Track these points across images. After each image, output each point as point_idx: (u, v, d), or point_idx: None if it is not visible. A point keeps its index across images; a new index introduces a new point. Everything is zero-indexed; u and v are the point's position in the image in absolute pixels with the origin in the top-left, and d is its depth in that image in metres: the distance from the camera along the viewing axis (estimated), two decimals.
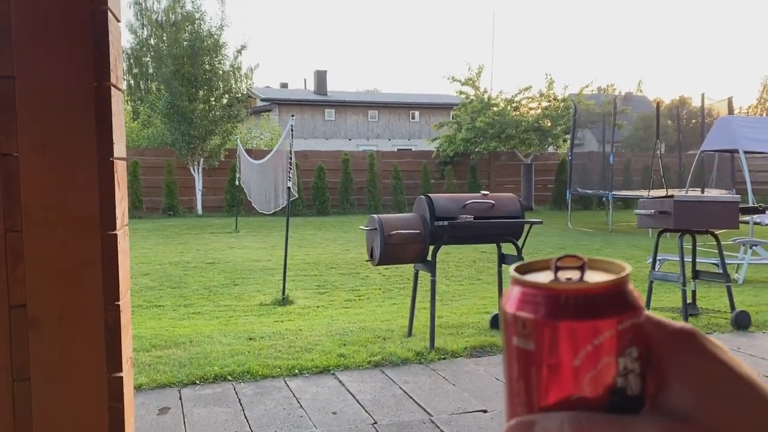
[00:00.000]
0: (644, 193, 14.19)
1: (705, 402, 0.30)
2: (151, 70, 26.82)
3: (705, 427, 0.30)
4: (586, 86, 21.57)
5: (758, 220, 9.52)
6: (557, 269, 0.33)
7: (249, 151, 16.80)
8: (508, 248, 4.88)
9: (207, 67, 19.11)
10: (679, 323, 0.33)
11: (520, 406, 0.32)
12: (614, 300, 0.31)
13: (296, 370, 3.97)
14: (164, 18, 28.50)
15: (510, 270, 0.33)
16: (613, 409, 0.31)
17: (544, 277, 0.33)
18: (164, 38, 20.96)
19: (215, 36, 19.24)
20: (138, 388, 3.58)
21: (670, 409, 0.31)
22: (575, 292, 0.31)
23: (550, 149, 22.59)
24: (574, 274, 0.32)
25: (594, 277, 0.32)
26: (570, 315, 0.30)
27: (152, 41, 27.50)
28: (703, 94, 16.72)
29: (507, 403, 0.33)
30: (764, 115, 41.97)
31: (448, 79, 22.31)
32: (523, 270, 0.34)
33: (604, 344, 0.30)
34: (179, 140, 18.85)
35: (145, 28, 30.43)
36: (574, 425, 0.30)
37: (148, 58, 26.90)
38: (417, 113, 39.42)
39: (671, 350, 0.32)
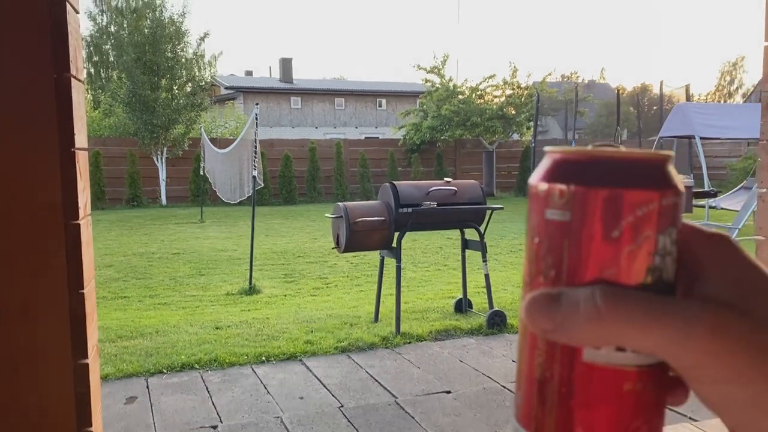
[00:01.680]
0: None
1: (748, 296, 0.29)
2: (111, 58, 26.25)
3: (756, 318, 0.28)
4: (549, 74, 21.87)
5: (714, 204, 9.84)
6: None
7: (213, 140, 16.62)
8: (471, 234, 4.98)
9: (169, 54, 18.81)
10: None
11: (545, 286, 0.30)
12: (659, 173, 0.29)
13: (263, 358, 4.01)
14: (124, 4, 27.86)
15: (546, 147, 0.32)
16: (644, 290, 0.29)
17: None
18: (125, 25, 20.51)
19: (177, 23, 18.93)
20: (104, 378, 3.59)
21: (708, 298, 0.29)
22: (621, 159, 0.29)
23: (515, 137, 22.86)
24: None
25: None
26: (614, 182, 0.28)
27: (112, 28, 26.88)
28: (661, 82, 17.10)
29: (527, 287, 0.31)
30: (722, 101, 43.07)
31: (414, 67, 22.39)
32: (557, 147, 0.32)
33: (647, 217, 0.28)
34: (142, 129, 18.54)
35: (104, 15, 29.72)
36: (608, 297, 0.28)
37: (108, 46, 26.32)
38: (384, 101, 39.40)
39: (707, 250, 0.31)
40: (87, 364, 1.63)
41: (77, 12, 1.69)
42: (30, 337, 1.59)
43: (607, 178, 0.29)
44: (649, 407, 0.30)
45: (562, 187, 0.29)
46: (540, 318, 0.29)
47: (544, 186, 0.30)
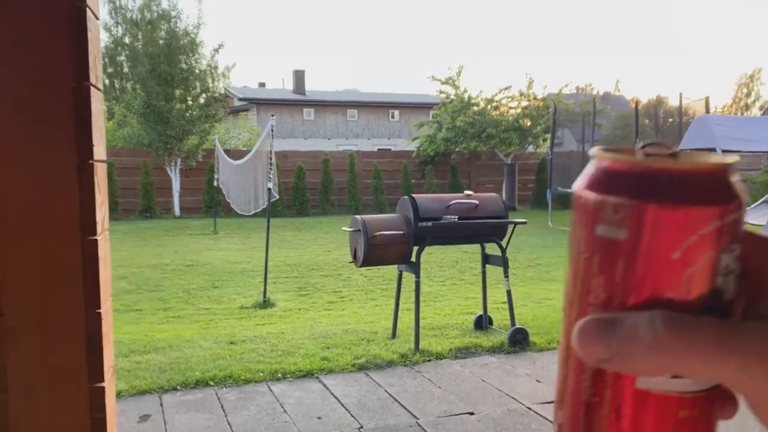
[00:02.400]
0: None
1: None
2: (126, 69, 26.47)
3: None
4: (565, 86, 21.75)
5: None
6: (646, 156, 0.28)
7: (227, 151, 16.64)
8: (491, 248, 4.87)
9: (184, 66, 18.89)
10: None
11: (594, 307, 0.27)
12: (723, 185, 0.27)
13: (279, 374, 3.91)
14: (139, 16, 28.11)
15: (593, 150, 0.29)
16: (703, 313, 0.26)
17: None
18: (139, 37, 20.64)
19: (192, 35, 19.04)
20: (118, 394, 3.50)
21: None
22: (683, 171, 0.26)
23: (530, 149, 22.72)
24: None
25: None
26: (676, 198, 0.26)
27: (127, 40, 27.09)
28: (680, 94, 16.94)
29: (572, 306, 0.28)
30: (739, 114, 42.74)
31: (429, 78, 22.37)
32: (606, 152, 0.29)
33: (711, 235, 0.26)
34: (156, 140, 18.60)
35: (119, 26, 29.98)
36: (670, 324, 0.25)
37: (122, 57, 26.54)
38: (396, 113, 39.44)
39: None
40: (103, 388, 1.54)
41: (98, 18, 1.62)
42: (44, 359, 1.50)
43: (667, 192, 0.26)
44: (704, 431, 0.28)
45: (617, 200, 0.27)
46: (594, 346, 0.27)
47: (594, 197, 0.28)
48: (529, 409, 3.36)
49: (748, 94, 45.43)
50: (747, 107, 44.83)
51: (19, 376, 1.52)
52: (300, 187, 19.81)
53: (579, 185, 0.29)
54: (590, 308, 0.27)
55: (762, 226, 8.48)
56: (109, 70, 30.48)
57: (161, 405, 3.44)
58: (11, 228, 1.49)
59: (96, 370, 1.55)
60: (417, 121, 25.32)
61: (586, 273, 0.28)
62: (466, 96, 21.94)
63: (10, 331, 1.52)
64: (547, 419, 3.23)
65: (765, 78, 47.84)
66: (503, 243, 4.68)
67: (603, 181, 0.27)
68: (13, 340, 1.52)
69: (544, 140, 21.35)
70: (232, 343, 4.67)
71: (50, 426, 1.54)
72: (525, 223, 4.95)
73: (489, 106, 21.67)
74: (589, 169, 0.29)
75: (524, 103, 21.82)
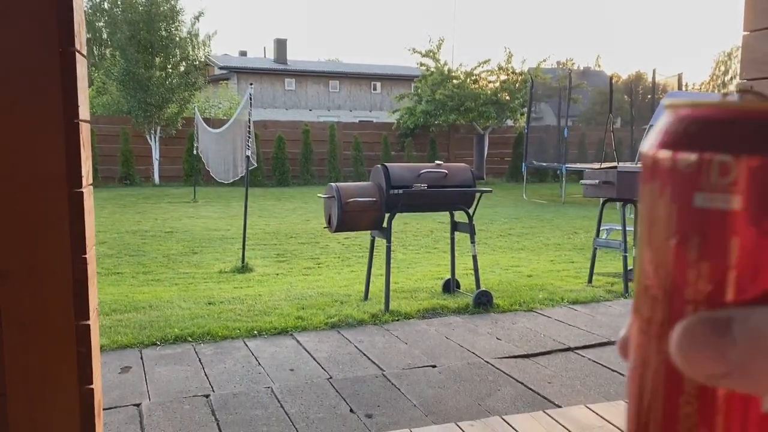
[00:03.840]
0: (597, 165, 14.64)
1: None
2: (105, 36, 26.06)
3: None
4: (544, 60, 21.91)
5: None
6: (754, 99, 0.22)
7: (207, 120, 16.62)
8: (460, 216, 5.08)
9: (164, 33, 18.70)
10: None
11: (697, 304, 0.21)
12: None
13: (255, 332, 4.11)
14: None
15: (667, 101, 0.23)
16: None
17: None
18: (118, 3, 20.33)
19: (172, 2, 18.81)
20: (100, 348, 3.68)
21: None
22: None
23: (508, 122, 22.93)
24: None
25: None
26: None
27: (106, 5, 26.63)
28: (654, 70, 17.20)
29: (656, 306, 0.22)
30: (716, 91, 43.19)
31: (409, 50, 22.36)
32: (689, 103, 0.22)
33: None
34: (135, 108, 18.49)
35: None
36: None
37: (101, 23, 26.10)
38: (378, 84, 39.31)
39: None
40: (88, 325, 1.73)
41: None
42: (35, 298, 1.68)
43: None
44: None
45: (726, 158, 0.20)
46: (705, 357, 0.20)
47: (688, 157, 0.21)
48: (487, 362, 3.60)
49: (726, 72, 45.93)
50: (724, 84, 45.32)
51: (11, 314, 1.70)
52: (280, 157, 19.86)
53: (655, 145, 0.22)
54: (690, 306, 0.21)
55: None
56: (88, 36, 29.91)
57: (141, 358, 3.63)
58: (3, 180, 1.65)
59: (82, 309, 1.73)
60: (399, 93, 25.35)
61: (679, 260, 0.21)
62: (445, 69, 22.00)
63: (2, 274, 1.69)
64: (502, 371, 3.47)
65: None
66: (471, 211, 4.89)
67: (699, 136, 0.21)
68: (5, 282, 1.70)
69: (522, 114, 21.56)
70: (210, 303, 4.85)
71: (40, 358, 1.73)
72: (490, 191, 5.17)
73: (468, 80, 21.77)
74: (670, 124, 0.23)
75: (503, 77, 21.95)
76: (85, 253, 1.71)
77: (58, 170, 1.66)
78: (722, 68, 46.82)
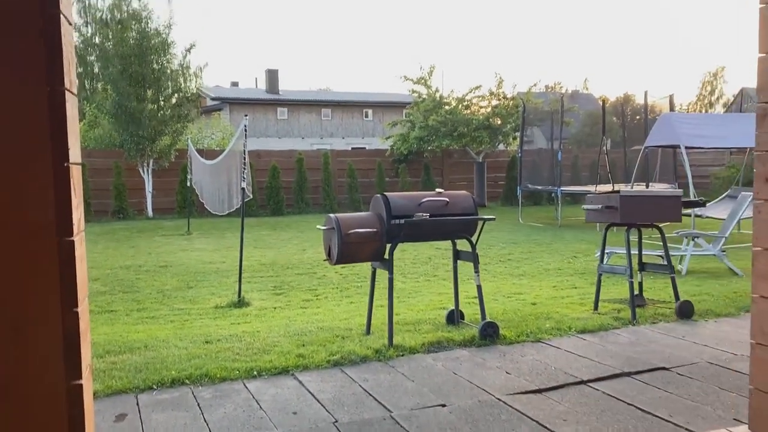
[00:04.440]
0: (591, 188, 14.61)
1: None
2: (96, 70, 26.09)
3: None
4: (534, 85, 22.06)
5: (699, 213, 9.92)
6: None
7: (200, 151, 16.54)
8: (462, 244, 4.97)
9: (155, 66, 18.72)
10: None
11: None
12: None
13: (255, 372, 3.95)
14: (109, 16, 27.74)
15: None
16: None
17: None
18: (110, 37, 20.36)
19: (163, 35, 18.86)
20: (93, 395, 3.51)
21: None
22: None
23: (501, 147, 22.99)
24: None
25: None
26: None
27: (97, 40, 26.70)
28: (646, 92, 17.31)
29: None
30: (703, 111, 43.60)
31: (401, 78, 22.49)
32: None
33: None
34: (128, 141, 18.42)
35: (89, 26, 29.56)
36: None
37: (93, 57, 26.16)
38: (370, 112, 39.49)
39: None
40: (81, 385, 1.59)
41: (71, 24, 1.66)
42: (22, 358, 1.54)
43: None
44: None
45: None
46: None
47: None
48: (499, 400, 3.46)
49: (712, 92, 46.41)
50: (711, 105, 45.78)
51: None
52: (274, 187, 19.78)
53: None
54: None
55: (723, 220, 8.74)
56: (79, 70, 30.00)
57: (137, 404, 3.47)
58: None
59: (73, 368, 1.59)
60: (390, 120, 25.43)
61: None
62: (437, 95, 22.11)
63: None
64: (516, 409, 3.33)
65: (728, 76, 48.90)
66: (473, 239, 4.78)
67: None
68: None
69: (514, 138, 21.64)
70: (207, 342, 4.69)
71: (28, 423, 1.58)
72: (494, 219, 5.07)
73: (460, 106, 21.89)
74: None
75: (494, 102, 22.07)
76: (77, 306, 1.58)
77: (47, 217, 1.54)
78: (708, 88, 47.32)
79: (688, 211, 9.89)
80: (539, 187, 17.80)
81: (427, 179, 21.72)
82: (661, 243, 5.62)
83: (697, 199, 7.32)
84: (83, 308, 1.64)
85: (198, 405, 3.46)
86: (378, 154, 22.48)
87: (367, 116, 39.48)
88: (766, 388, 2.36)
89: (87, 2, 29.45)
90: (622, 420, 3.16)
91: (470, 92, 22.13)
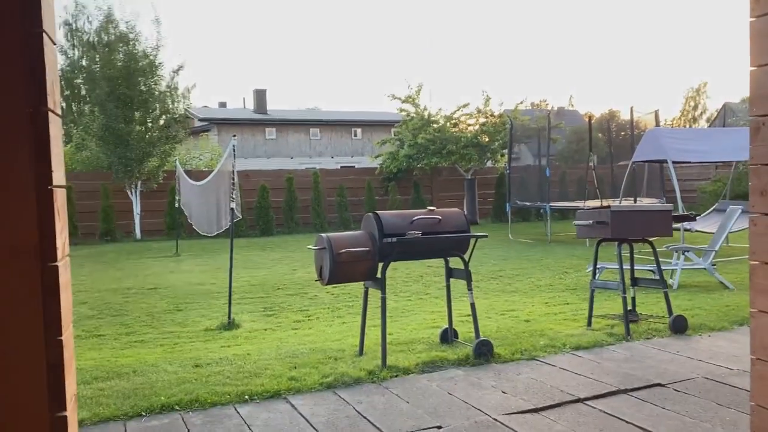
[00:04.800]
0: (580, 204, 14.65)
1: None
2: (83, 92, 26.01)
3: None
4: (521, 102, 22.26)
5: (689, 227, 9.95)
6: None
7: (188, 172, 16.46)
8: (455, 262, 4.93)
9: (143, 88, 18.69)
10: None
11: None
12: None
13: (246, 396, 3.87)
14: (96, 39, 27.71)
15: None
16: None
17: None
18: (97, 59, 20.32)
19: (150, 57, 18.85)
20: (80, 423, 3.42)
21: None
22: None
23: (489, 164, 23.09)
24: None
25: None
26: None
27: (84, 62, 26.65)
28: (632, 108, 17.46)
29: None
30: (687, 126, 44.07)
31: (389, 97, 22.57)
32: None
33: None
34: (116, 163, 18.31)
35: (76, 49, 29.52)
36: None
37: (80, 80, 26.08)
38: (359, 131, 39.58)
39: None
40: (65, 417, 1.52)
41: (54, 43, 1.62)
42: (3, 389, 1.48)
43: None
44: None
45: None
46: None
47: None
48: (496, 420, 3.40)
49: (695, 107, 46.97)
50: (694, 119, 46.32)
51: None
52: (264, 207, 19.70)
53: None
54: None
55: (712, 233, 8.77)
56: (66, 92, 29.95)
57: None
58: None
59: (58, 399, 1.53)
60: (379, 138, 25.49)
61: None
62: (426, 114, 22.22)
63: None
64: (513, 429, 3.27)
65: (711, 91, 49.58)
66: (466, 257, 4.74)
67: None
68: None
69: (502, 155, 21.76)
70: (197, 366, 4.60)
71: None
72: (486, 236, 5.04)
73: (448, 123, 22.00)
74: None
75: (482, 120, 22.20)
76: (61, 335, 1.52)
77: (30, 242, 1.48)
78: (692, 103, 47.89)
79: (678, 225, 9.92)
80: (528, 204, 17.84)
81: (417, 197, 21.73)
82: (653, 257, 5.61)
83: (687, 213, 7.34)
84: (68, 336, 1.58)
85: (188, 431, 3.37)
86: (367, 173, 22.49)
87: (356, 135, 39.57)
88: (767, 405, 2.32)
89: (74, 25, 29.45)
90: None
91: (458, 110, 22.26)
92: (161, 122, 19.41)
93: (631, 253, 5.84)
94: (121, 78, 18.22)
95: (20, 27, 1.43)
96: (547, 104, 48.03)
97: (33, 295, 1.48)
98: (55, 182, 1.52)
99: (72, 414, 1.58)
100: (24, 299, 1.48)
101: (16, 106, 1.44)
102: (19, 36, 1.43)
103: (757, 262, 2.37)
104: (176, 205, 15.17)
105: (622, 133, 25.55)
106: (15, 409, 1.48)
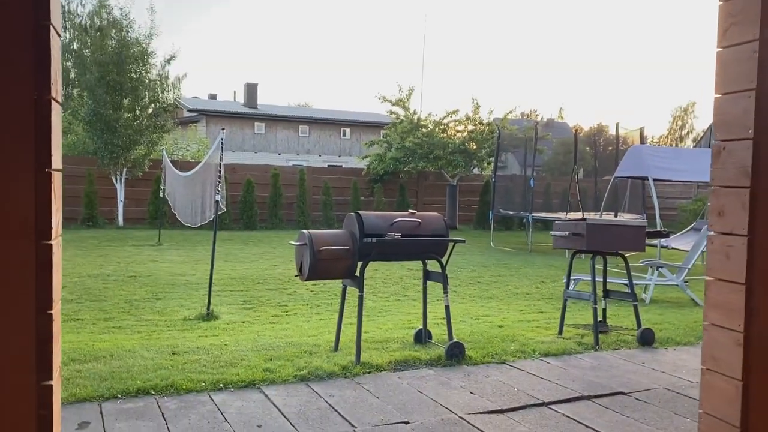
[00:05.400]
0: (562, 215, 14.87)
1: None
2: (72, 76, 25.87)
3: None
4: (510, 112, 22.47)
5: (665, 244, 10.17)
6: None
7: (175, 163, 16.45)
8: (433, 265, 5.05)
9: (133, 75, 18.63)
10: None
11: None
12: None
13: (221, 384, 3.96)
14: (89, 22, 27.57)
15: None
16: None
17: None
18: (88, 43, 20.24)
19: (143, 44, 18.81)
20: None
21: None
22: None
23: (476, 171, 23.29)
24: None
25: None
26: None
27: (75, 46, 26.50)
28: (617, 124, 17.71)
29: None
30: (674, 145, 44.68)
31: (380, 99, 22.69)
32: None
33: None
34: (102, 149, 18.24)
35: (67, 32, 29.33)
36: None
37: (69, 63, 25.94)
38: (348, 130, 39.66)
39: None
40: (51, 386, 1.62)
41: (59, 35, 1.72)
42: None
43: None
44: None
45: None
46: None
47: None
48: (462, 418, 3.52)
49: (683, 126, 47.68)
50: (681, 138, 46.99)
51: None
52: (248, 201, 19.71)
53: None
54: None
55: (686, 251, 8.98)
56: None
57: (101, 413, 3.45)
58: None
59: (45, 369, 1.63)
60: (368, 139, 25.61)
61: None
62: (415, 117, 22.37)
63: None
64: (477, 427, 3.40)
65: (699, 111, 50.27)
66: (443, 260, 4.87)
67: None
68: None
69: (489, 163, 21.95)
70: (174, 353, 4.68)
71: None
72: (464, 241, 5.16)
73: (437, 129, 22.16)
74: None
75: (471, 127, 22.39)
76: (51, 309, 1.62)
77: (27, 221, 1.58)
78: (679, 123, 48.58)
79: (654, 241, 10.15)
80: (511, 213, 18.06)
81: (402, 200, 21.86)
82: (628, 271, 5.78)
83: (660, 229, 7.53)
84: (56, 311, 1.68)
85: (162, 415, 3.46)
86: (354, 173, 22.59)
87: (344, 135, 39.64)
88: (714, 413, 2.47)
89: (66, 8, 29.25)
90: None
91: (448, 116, 22.44)
92: (150, 111, 19.36)
93: (605, 265, 6.01)
94: (112, 64, 18.16)
95: (33, 19, 1.53)
96: (537, 115, 48.41)
97: (27, 270, 1.58)
98: (53, 165, 1.62)
99: (57, 384, 1.68)
100: (18, 274, 1.58)
101: (24, 93, 1.54)
102: (31, 27, 1.53)
103: (711, 278, 2.51)
104: (161, 194, 15.17)
105: (610, 147, 25.89)
106: (4, 375, 1.57)
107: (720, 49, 2.46)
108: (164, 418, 3.41)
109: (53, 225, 1.63)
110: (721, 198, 2.46)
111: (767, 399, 2.37)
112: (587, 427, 3.45)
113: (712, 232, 2.51)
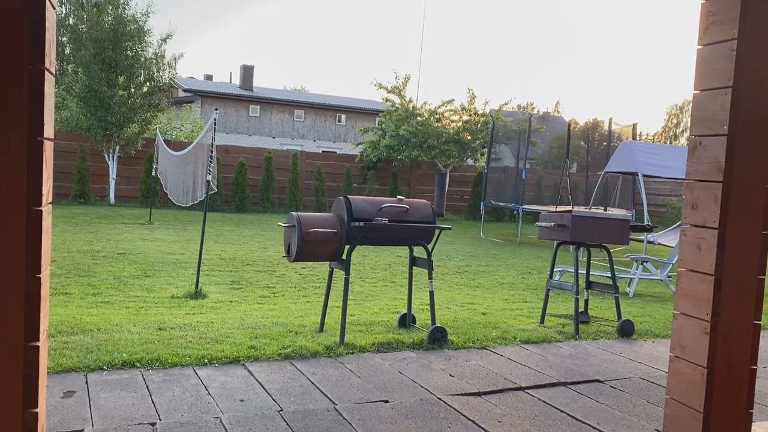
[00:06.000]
0: (552, 208, 14.98)
1: None
2: (67, 51, 25.66)
3: None
4: (506, 103, 22.48)
5: (651, 239, 10.29)
6: None
7: (168, 142, 16.43)
8: (419, 251, 5.13)
9: (129, 53, 18.54)
10: None
11: None
12: None
13: (206, 360, 4.03)
14: None
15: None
16: None
17: None
18: (84, 19, 20.09)
19: (140, 22, 18.70)
20: None
21: None
22: None
23: (469, 161, 23.36)
24: None
25: None
26: None
27: (70, 20, 26.26)
28: (610, 119, 17.80)
29: None
30: (668, 142, 44.87)
31: (375, 85, 22.66)
32: None
33: None
34: (95, 126, 18.17)
35: (63, 6, 29.05)
36: None
37: (65, 38, 25.72)
38: (343, 116, 39.58)
39: None
40: (38, 347, 1.69)
41: (54, 8, 1.76)
42: None
43: None
44: None
45: None
46: None
47: None
48: (440, 399, 3.61)
49: (677, 125, 47.86)
50: (675, 136, 47.18)
51: None
52: (240, 183, 19.72)
53: None
54: None
55: (672, 247, 9.10)
56: None
57: (86, 383, 3.52)
58: None
59: (32, 330, 1.69)
60: (363, 126, 25.60)
61: None
62: (410, 106, 22.37)
63: None
64: (454, 408, 3.49)
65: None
66: (430, 247, 4.94)
67: None
68: None
69: (483, 154, 22.01)
70: (160, 329, 4.74)
71: None
72: (450, 228, 5.23)
73: (432, 118, 22.17)
74: None
75: (465, 118, 22.41)
76: (40, 273, 1.68)
77: (19, 187, 1.64)
78: (674, 121, 48.74)
79: (641, 236, 10.26)
80: (502, 204, 18.16)
81: (395, 188, 21.93)
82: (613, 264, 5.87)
83: (644, 224, 7.63)
84: (45, 275, 1.74)
85: (147, 387, 3.53)
86: (348, 159, 22.61)
87: (340, 121, 39.57)
88: (679, 398, 2.56)
89: None
90: (552, 425, 3.35)
91: (443, 105, 22.45)
92: (145, 89, 19.28)
93: (588, 257, 6.11)
94: (108, 41, 18.06)
95: None
96: (534, 108, 48.42)
97: (17, 235, 1.64)
98: (45, 134, 1.67)
99: (43, 346, 1.74)
100: (9, 238, 1.64)
101: (18, 63, 1.59)
102: (26, 2, 1.58)
103: (683, 269, 2.60)
104: (153, 173, 15.16)
105: (604, 143, 26.00)
106: None
107: (701, 47, 2.53)
108: (149, 390, 3.48)
109: (44, 192, 1.69)
110: (695, 191, 2.54)
111: (730, 385, 2.46)
112: (561, 411, 3.55)
113: (686, 225, 2.60)
